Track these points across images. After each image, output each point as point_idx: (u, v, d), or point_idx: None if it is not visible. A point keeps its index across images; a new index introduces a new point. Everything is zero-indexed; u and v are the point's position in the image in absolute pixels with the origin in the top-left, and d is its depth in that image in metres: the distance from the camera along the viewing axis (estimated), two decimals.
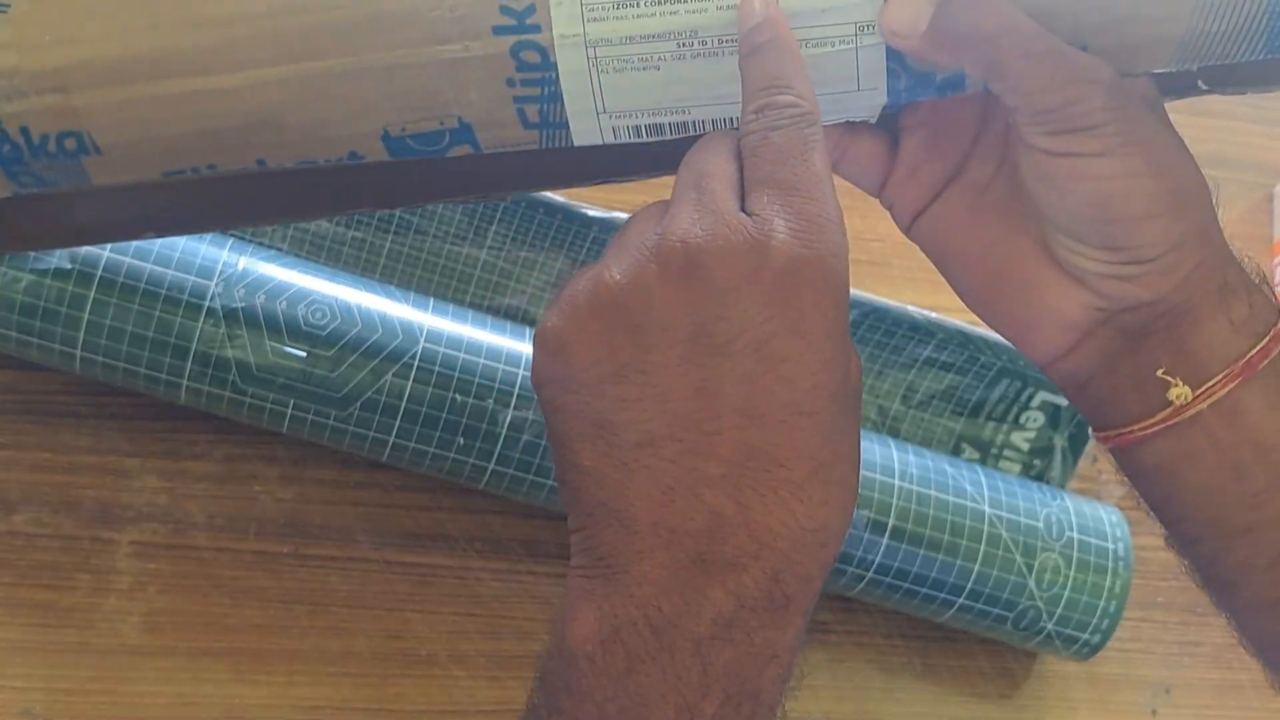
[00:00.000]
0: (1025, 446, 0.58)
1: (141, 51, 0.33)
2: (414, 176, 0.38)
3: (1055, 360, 0.37)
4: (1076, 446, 0.57)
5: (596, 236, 0.53)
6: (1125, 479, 0.38)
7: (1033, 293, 0.36)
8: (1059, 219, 0.34)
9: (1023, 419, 0.57)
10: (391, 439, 0.47)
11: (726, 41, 0.33)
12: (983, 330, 0.55)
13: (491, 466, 0.48)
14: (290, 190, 0.39)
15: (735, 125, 0.34)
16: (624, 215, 0.52)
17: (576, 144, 0.35)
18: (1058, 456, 0.57)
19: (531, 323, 0.53)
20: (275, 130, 0.34)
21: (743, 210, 0.30)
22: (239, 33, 0.33)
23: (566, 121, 0.34)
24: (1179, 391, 0.34)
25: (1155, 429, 0.35)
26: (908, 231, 0.39)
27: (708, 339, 0.29)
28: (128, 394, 0.50)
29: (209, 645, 0.49)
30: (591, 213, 0.52)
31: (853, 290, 0.54)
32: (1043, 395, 0.57)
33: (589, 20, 0.32)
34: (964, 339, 0.55)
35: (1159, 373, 0.35)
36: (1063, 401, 0.57)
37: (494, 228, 0.53)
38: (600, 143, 0.35)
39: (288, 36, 0.33)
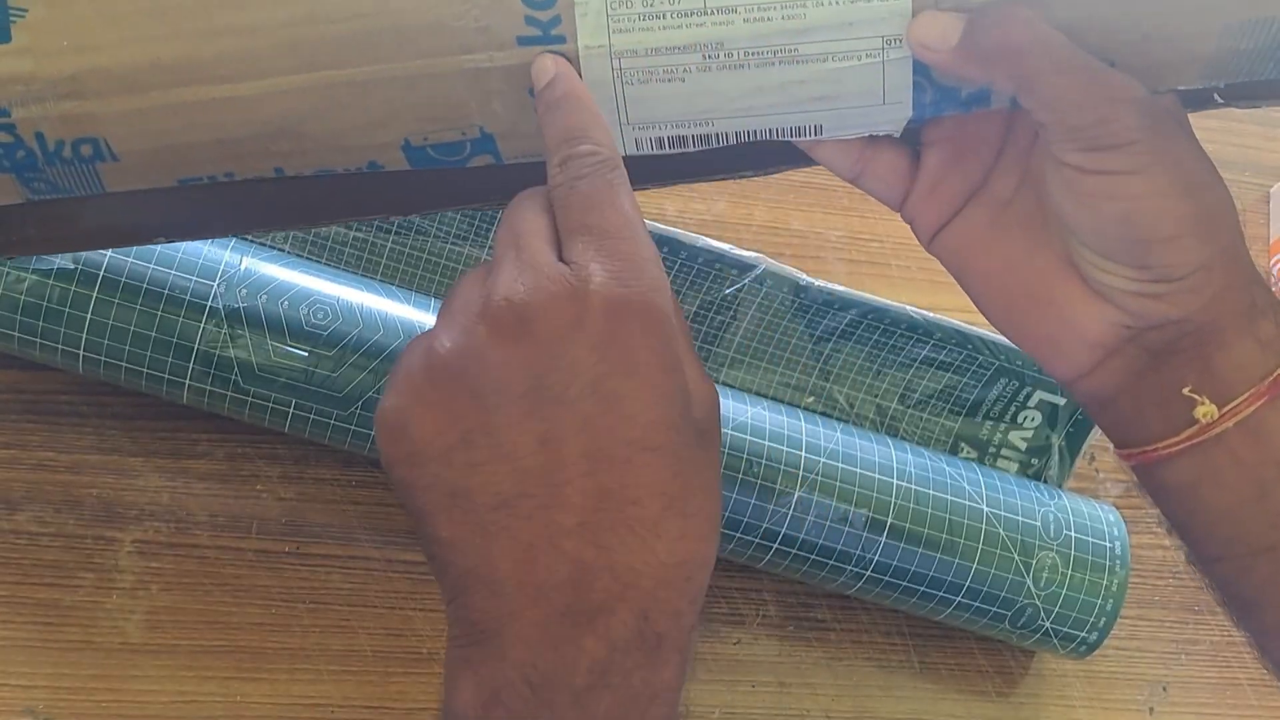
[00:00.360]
0: (1023, 445, 0.58)
1: (160, 59, 0.33)
2: (431, 184, 0.38)
3: (1080, 378, 0.36)
4: (1074, 446, 0.57)
5: None
6: (1146, 495, 0.37)
7: (1057, 310, 0.36)
8: (1087, 236, 0.34)
9: (1020, 418, 0.57)
10: None
11: (753, 54, 0.32)
12: (980, 330, 0.55)
13: None
14: (306, 197, 0.38)
15: (759, 138, 0.34)
16: None
17: None
18: (1055, 455, 0.58)
19: None
20: (294, 139, 0.34)
21: (561, 260, 0.30)
22: (259, 42, 0.33)
23: None
24: (1205, 410, 0.34)
25: (1180, 447, 0.35)
26: (929, 247, 0.38)
27: (544, 391, 0.29)
28: (130, 394, 0.50)
29: (211, 643, 0.49)
30: None
31: (852, 290, 0.54)
32: (1040, 394, 0.57)
33: (615, 31, 0.32)
34: (962, 338, 0.55)
35: (1185, 391, 0.34)
36: (1060, 401, 0.57)
37: (494, 228, 0.53)
38: (622, 154, 0.35)
39: (308, 46, 0.33)
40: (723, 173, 0.38)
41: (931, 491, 0.50)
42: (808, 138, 0.35)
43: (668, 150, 0.34)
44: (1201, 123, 0.35)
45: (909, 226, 0.39)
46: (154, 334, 0.45)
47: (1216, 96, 0.35)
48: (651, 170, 0.37)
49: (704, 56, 0.32)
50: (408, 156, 0.35)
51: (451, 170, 0.36)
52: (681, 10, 0.32)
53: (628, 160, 0.34)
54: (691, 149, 0.35)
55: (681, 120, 0.34)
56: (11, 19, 0.33)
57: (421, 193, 0.38)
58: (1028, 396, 0.57)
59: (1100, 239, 0.34)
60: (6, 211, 0.38)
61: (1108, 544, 0.52)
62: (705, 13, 0.32)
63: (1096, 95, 0.32)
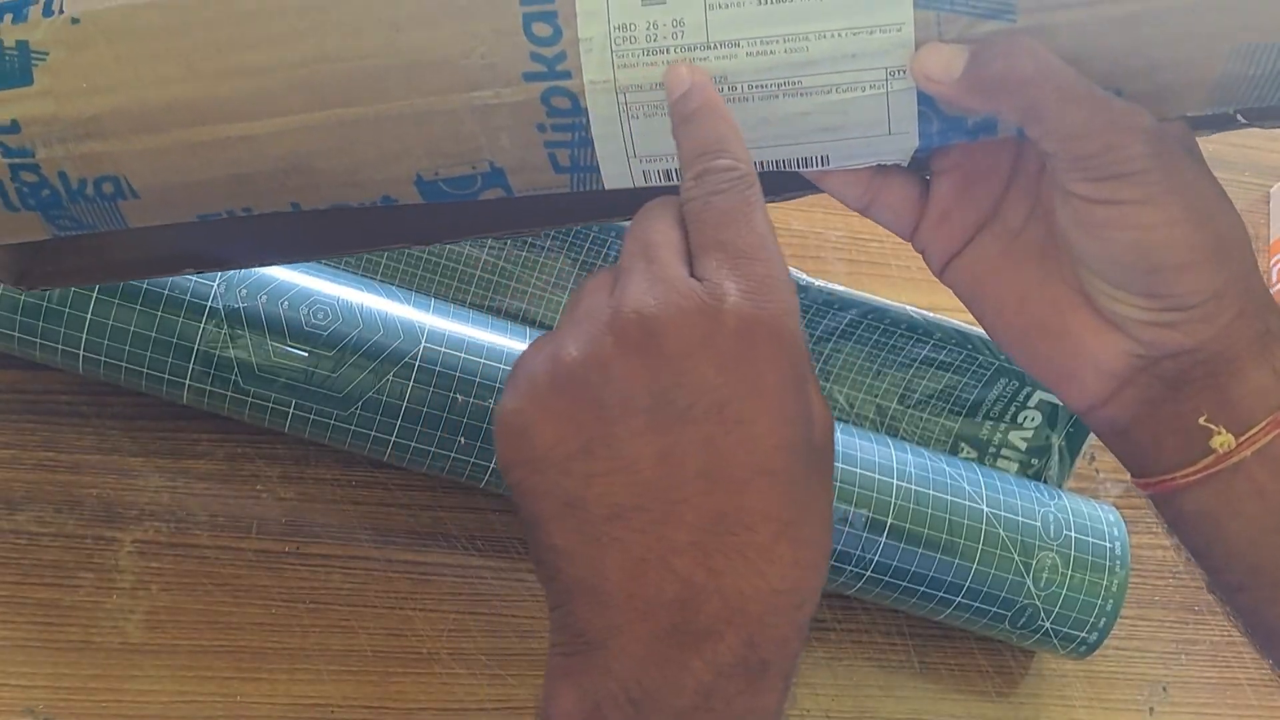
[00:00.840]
0: (1023, 446, 0.58)
1: (177, 99, 0.34)
2: (446, 216, 0.38)
3: (1095, 408, 0.36)
4: (1074, 446, 0.57)
5: (596, 237, 0.53)
6: (1165, 524, 0.37)
7: (1071, 340, 0.36)
8: (1098, 266, 0.34)
9: (1020, 418, 0.57)
10: (393, 439, 0.47)
11: (757, 87, 0.32)
12: (980, 330, 0.55)
13: (492, 466, 0.48)
14: (325, 229, 0.39)
15: (766, 168, 0.34)
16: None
17: (607, 187, 0.35)
18: (1055, 456, 0.58)
19: (532, 323, 0.54)
20: (308, 175, 0.35)
21: (692, 276, 0.30)
22: (272, 81, 0.33)
23: (597, 165, 0.34)
24: (1222, 439, 0.34)
25: (1197, 477, 0.34)
26: (941, 276, 0.38)
27: (668, 407, 0.29)
28: (130, 393, 0.50)
29: (211, 643, 0.49)
30: None
31: (852, 290, 0.54)
32: (1040, 395, 0.57)
33: (619, 67, 0.32)
34: (962, 338, 0.55)
35: (1201, 420, 0.34)
36: (1060, 401, 0.57)
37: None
38: (631, 186, 0.35)
39: (319, 84, 0.33)
40: None
41: (931, 492, 0.50)
42: (815, 168, 0.35)
43: (676, 181, 0.34)
44: None
45: (920, 256, 0.38)
46: (154, 334, 0.45)
47: (1239, 117, 0.35)
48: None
49: None
50: (420, 190, 0.35)
51: (465, 203, 0.36)
52: (685, 45, 0.32)
53: (635, 190, 0.34)
54: None
55: None
56: (33, 62, 0.34)
57: (437, 224, 0.39)
58: (1027, 396, 0.57)
59: (1111, 268, 0.34)
60: (39, 247, 0.39)
61: (1108, 544, 0.52)
62: (709, 47, 0.32)
63: (1103, 124, 0.31)
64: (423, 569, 0.52)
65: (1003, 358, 0.56)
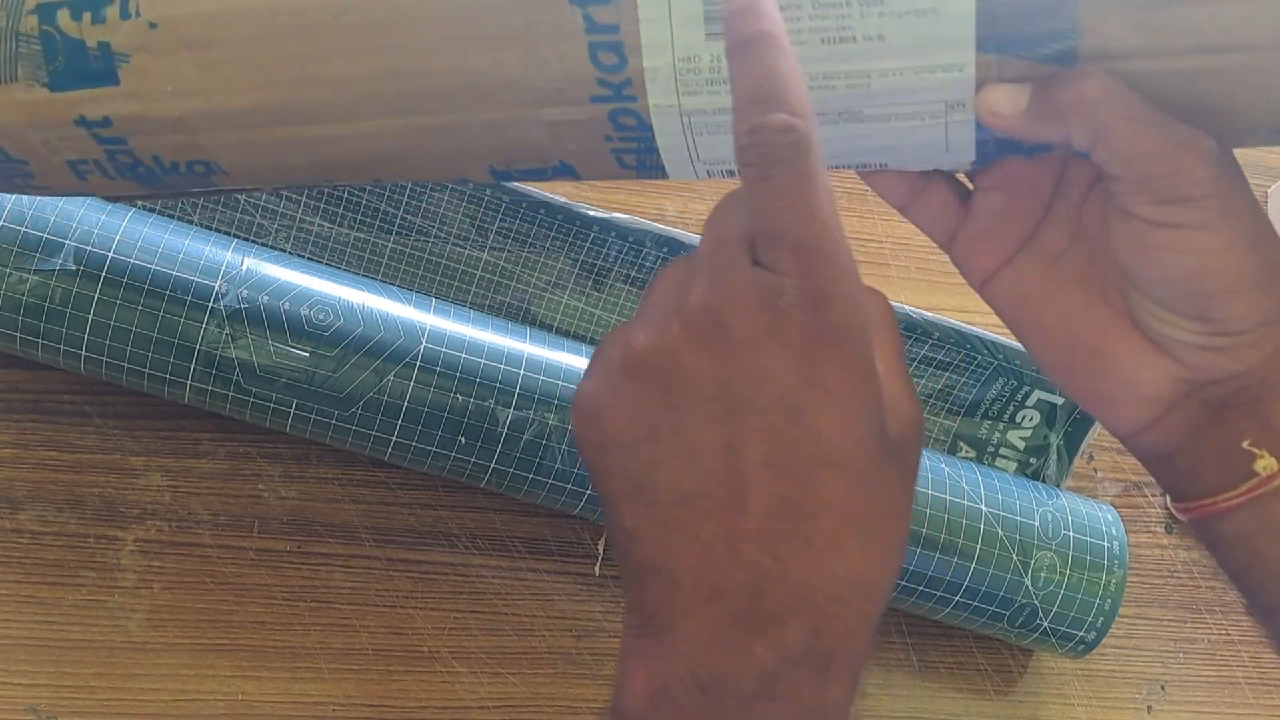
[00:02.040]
0: (1021, 445, 0.58)
1: (258, 104, 0.35)
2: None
3: (1138, 433, 0.36)
4: (1072, 445, 0.58)
5: (596, 237, 0.53)
6: (1204, 547, 0.37)
7: (1116, 365, 0.36)
8: (1152, 289, 0.34)
9: (1019, 418, 0.58)
10: (394, 439, 0.48)
11: (818, 115, 0.32)
12: (979, 329, 0.55)
13: (492, 466, 0.48)
14: None
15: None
16: (623, 216, 0.53)
17: (671, 178, 0.36)
18: (1053, 455, 0.58)
19: (532, 322, 0.54)
20: (388, 164, 0.37)
21: (757, 263, 0.29)
22: (348, 91, 0.34)
23: (662, 166, 0.35)
24: (1265, 463, 0.34)
25: (1239, 500, 0.34)
26: (981, 292, 0.38)
27: (732, 396, 0.29)
28: (132, 393, 0.50)
29: (213, 642, 0.49)
30: (592, 213, 0.53)
31: None
32: (1039, 394, 0.57)
33: (684, 94, 0.33)
34: (960, 338, 0.55)
35: (1244, 444, 0.34)
36: (1059, 400, 0.57)
37: (495, 228, 0.53)
38: (694, 178, 0.36)
39: (393, 96, 0.34)
40: None
41: (930, 491, 0.51)
42: (869, 171, 0.36)
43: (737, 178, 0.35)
44: None
45: (957, 266, 0.38)
46: (155, 334, 0.45)
47: None
48: None
49: None
50: (494, 176, 0.37)
51: None
52: None
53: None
54: None
55: None
56: (118, 63, 0.35)
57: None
58: (1026, 396, 0.57)
59: (1165, 292, 0.34)
60: None
61: (1106, 543, 0.52)
62: None
63: (1170, 147, 0.31)
64: (423, 568, 0.52)
65: (1000, 357, 0.56)
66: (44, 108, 0.36)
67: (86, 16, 0.35)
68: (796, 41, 0.31)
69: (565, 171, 0.36)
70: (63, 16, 0.35)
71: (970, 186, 0.37)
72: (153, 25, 0.35)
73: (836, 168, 0.35)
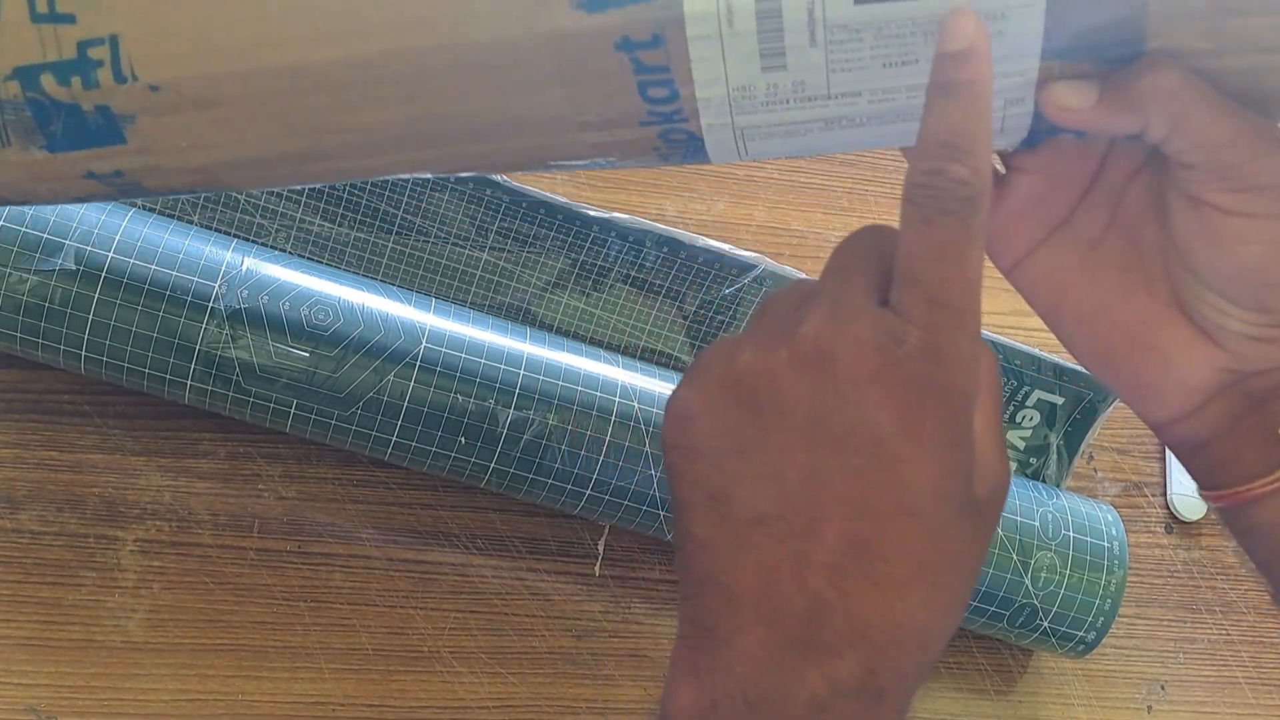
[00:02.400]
0: (1021, 445, 0.58)
1: (284, 152, 0.34)
2: None
3: (1174, 422, 0.36)
4: (1072, 445, 0.58)
5: (596, 237, 0.53)
6: (1233, 536, 0.37)
7: (1157, 355, 0.36)
8: (1214, 279, 0.34)
9: (1019, 418, 0.58)
10: (393, 439, 0.48)
11: (875, 118, 0.32)
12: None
13: (492, 466, 0.48)
14: None
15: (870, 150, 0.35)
16: (623, 216, 0.53)
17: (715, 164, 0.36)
18: (1053, 455, 0.58)
19: (532, 322, 0.54)
20: (426, 171, 0.36)
21: (887, 301, 0.30)
22: (380, 136, 0.33)
23: (707, 159, 0.35)
24: None
25: (1272, 487, 0.34)
26: (1008, 276, 0.38)
27: (825, 429, 0.29)
28: (132, 393, 0.50)
29: (213, 641, 0.49)
30: (592, 213, 0.53)
31: None
32: (1039, 394, 0.57)
33: (738, 114, 0.32)
34: None
35: None
36: (1058, 400, 0.57)
37: (495, 228, 0.53)
38: (737, 160, 0.36)
39: (430, 136, 0.34)
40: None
41: None
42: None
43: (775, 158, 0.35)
44: None
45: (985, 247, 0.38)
46: (155, 334, 0.46)
47: None
48: None
49: (825, 124, 0.32)
50: (539, 169, 0.36)
51: None
52: (805, 97, 0.32)
53: None
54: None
55: (799, 154, 0.34)
56: (122, 124, 0.33)
57: None
58: (1026, 396, 0.57)
59: (1228, 282, 0.34)
60: None
61: (1106, 544, 0.52)
62: (829, 98, 0.32)
63: (1248, 134, 0.31)
64: (424, 568, 0.52)
65: (1000, 357, 0.56)
66: (46, 167, 0.35)
67: (76, 81, 0.33)
68: (856, 67, 0.31)
69: (609, 165, 0.36)
70: (47, 81, 0.33)
71: (1003, 169, 0.37)
72: (154, 88, 0.33)
73: (885, 147, 0.35)
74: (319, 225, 0.52)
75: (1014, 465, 0.58)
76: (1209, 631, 0.59)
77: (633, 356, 0.54)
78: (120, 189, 0.36)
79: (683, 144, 0.34)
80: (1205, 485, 0.37)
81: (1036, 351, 0.56)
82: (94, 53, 0.32)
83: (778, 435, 0.29)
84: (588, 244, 0.54)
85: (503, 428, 0.47)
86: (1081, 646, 0.53)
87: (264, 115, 0.33)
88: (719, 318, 0.55)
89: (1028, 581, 0.51)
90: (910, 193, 0.29)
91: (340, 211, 0.52)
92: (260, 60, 0.32)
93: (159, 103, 0.33)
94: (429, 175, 0.38)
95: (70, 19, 0.32)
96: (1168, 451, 0.61)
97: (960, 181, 0.28)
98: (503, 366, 0.48)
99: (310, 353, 0.46)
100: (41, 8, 0.32)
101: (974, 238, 0.28)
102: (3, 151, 0.34)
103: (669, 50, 0.31)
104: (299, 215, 0.52)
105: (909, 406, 0.28)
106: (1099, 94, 0.32)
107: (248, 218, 0.52)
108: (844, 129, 0.33)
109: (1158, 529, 0.60)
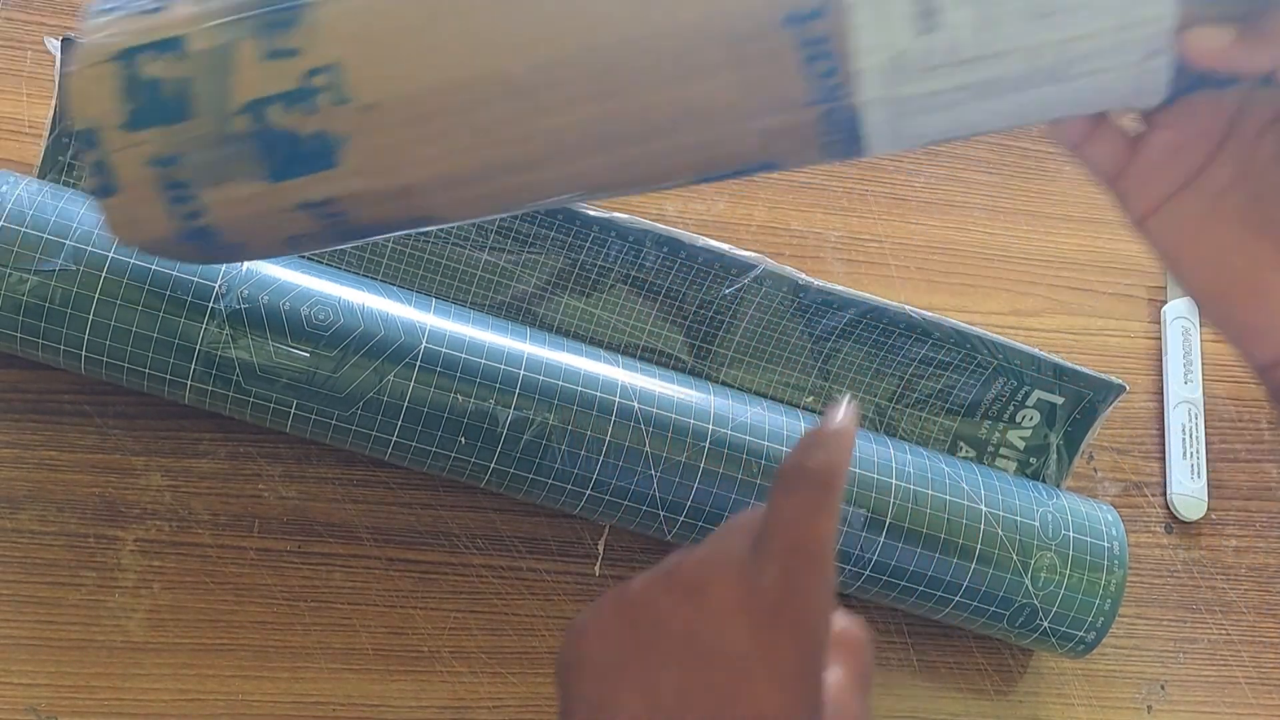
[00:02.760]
0: (1021, 445, 0.58)
1: (481, 163, 0.37)
2: None
3: (1275, 366, 0.38)
4: (1072, 445, 0.58)
5: (596, 237, 0.53)
6: None
7: (1269, 299, 0.37)
8: None
9: (1019, 418, 0.58)
10: (394, 439, 0.48)
11: (1022, 80, 0.34)
12: (979, 329, 0.55)
13: (492, 465, 0.48)
14: None
15: (1012, 121, 0.36)
16: (623, 216, 0.53)
17: (865, 157, 0.37)
18: (1053, 455, 0.58)
19: (532, 322, 0.54)
20: (593, 193, 0.39)
21: (754, 550, 0.33)
22: (567, 138, 0.36)
23: (862, 149, 0.36)
24: None
25: None
26: (1138, 227, 0.39)
27: (696, 649, 0.32)
28: (132, 393, 0.50)
29: (213, 641, 0.49)
30: (591, 213, 0.53)
31: (851, 290, 0.54)
32: (1039, 394, 0.57)
33: (895, 85, 0.34)
34: (960, 338, 0.56)
35: None
36: (1058, 400, 0.57)
37: (495, 228, 0.53)
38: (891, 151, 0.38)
39: (611, 134, 0.36)
40: None
41: (930, 491, 0.51)
42: (1056, 119, 0.37)
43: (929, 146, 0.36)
44: None
45: (1119, 202, 0.40)
46: (156, 335, 0.46)
47: None
48: None
49: (978, 92, 0.35)
50: (692, 183, 0.39)
51: None
52: (958, 60, 0.34)
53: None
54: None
55: (940, 135, 0.36)
56: (336, 147, 0.36)
57: None
58: (1026, 396, 0.57)
59: None
60: None
61: (1105, 543, 0.52)
62: (980, 60, 0.34)
63: None
64: (424, 568, 0.52)
65: (1001, 357, 0.56)
66: (265, 199, 0.37)
67: (299, 108, 0.36)
68: (1003, 22, 0.33)
69: (766, 168, 0.38)
70: (274, 112, 0.36)
71: (1138, 126, 0.38)
72: (367, 108, 0.35)
73: (1025, 121, 0.37)
74: None
75: (1014, 465, 0.58)
76: (1209, 631, 0.59)
77: (633, 356, 0.54)
78: (329, 222, 0.38)
79: (844, 128, 0.35)
80: None
81: (1036, 351, 0.56)
82: (317, 80, 0.35)
83: (654, 651, 0.33)
84: (587, 244, 0.54)
85: (503, 427, 0.47)
86: (1081, 646, 0.53)
87: (466, 126, 0.36)
88: (719, 318, 0.55)
89: (1028, 581, 0.51)
90: (781, 470, 0.34)
91: None
92: (464, 71, 0.35)
93: (371, 122, 0.36)
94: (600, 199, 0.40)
95: (294, 53, 0.35)
96: (1168, 451, 0.61)
97: (817, 470, 0.33)
98: (503, 366, 0.48)
99: (310, 353, 0.46)
100: (269, 46, 0.36)
101: (829, 506, 0.32)
102: (224, 187, 0.37)
103: (832, 20, 0.33)
104: None
105: (764, 629, 0.32)
106: (1238, 34, 0.33)
107: None
108: (996, 96, 0.34)
109: (1158, 529, 0.61)
